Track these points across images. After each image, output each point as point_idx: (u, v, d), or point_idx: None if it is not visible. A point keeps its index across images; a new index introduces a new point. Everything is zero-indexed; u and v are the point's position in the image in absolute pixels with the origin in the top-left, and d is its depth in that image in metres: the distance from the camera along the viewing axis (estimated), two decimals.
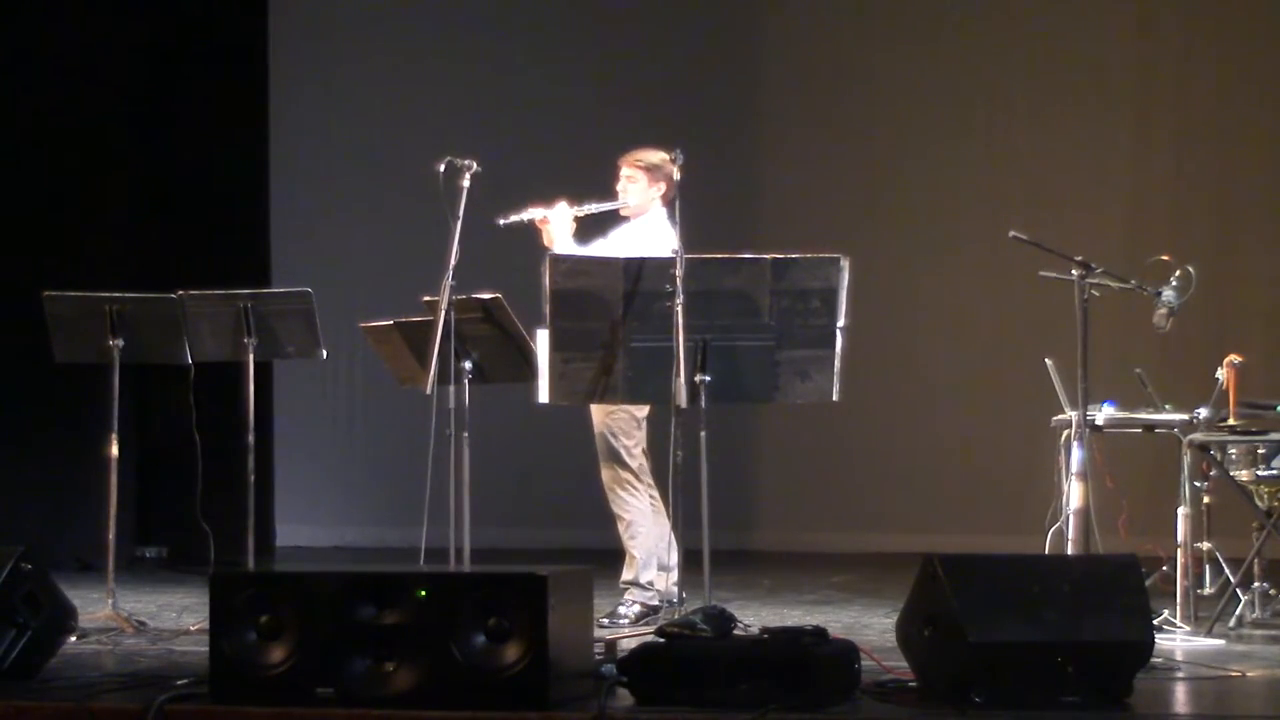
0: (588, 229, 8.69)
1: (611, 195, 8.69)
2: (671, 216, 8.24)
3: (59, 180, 11.72)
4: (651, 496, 8.60)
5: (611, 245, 8.55)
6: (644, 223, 8.66)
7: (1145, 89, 12.75)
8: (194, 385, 8.98)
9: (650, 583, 8.54)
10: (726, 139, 13.01)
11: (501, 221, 8.40)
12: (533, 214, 8.56)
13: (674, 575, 7.99)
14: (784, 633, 6.40)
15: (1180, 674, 7.00)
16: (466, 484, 7.88)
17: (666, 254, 7.67)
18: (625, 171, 8.69)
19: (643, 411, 8.56)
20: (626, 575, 8.62)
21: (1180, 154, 12.61)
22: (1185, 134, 12.62)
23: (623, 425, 8.56)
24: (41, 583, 7.02)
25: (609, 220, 8.78)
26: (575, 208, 8.56)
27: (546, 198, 8.64)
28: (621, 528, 8.62)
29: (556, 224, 8.53)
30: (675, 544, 7.89)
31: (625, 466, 8.55)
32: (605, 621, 8.31)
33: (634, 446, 8.57)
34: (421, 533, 7.94)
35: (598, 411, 8.57)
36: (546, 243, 8.47)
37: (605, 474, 8.63)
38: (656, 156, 8.62)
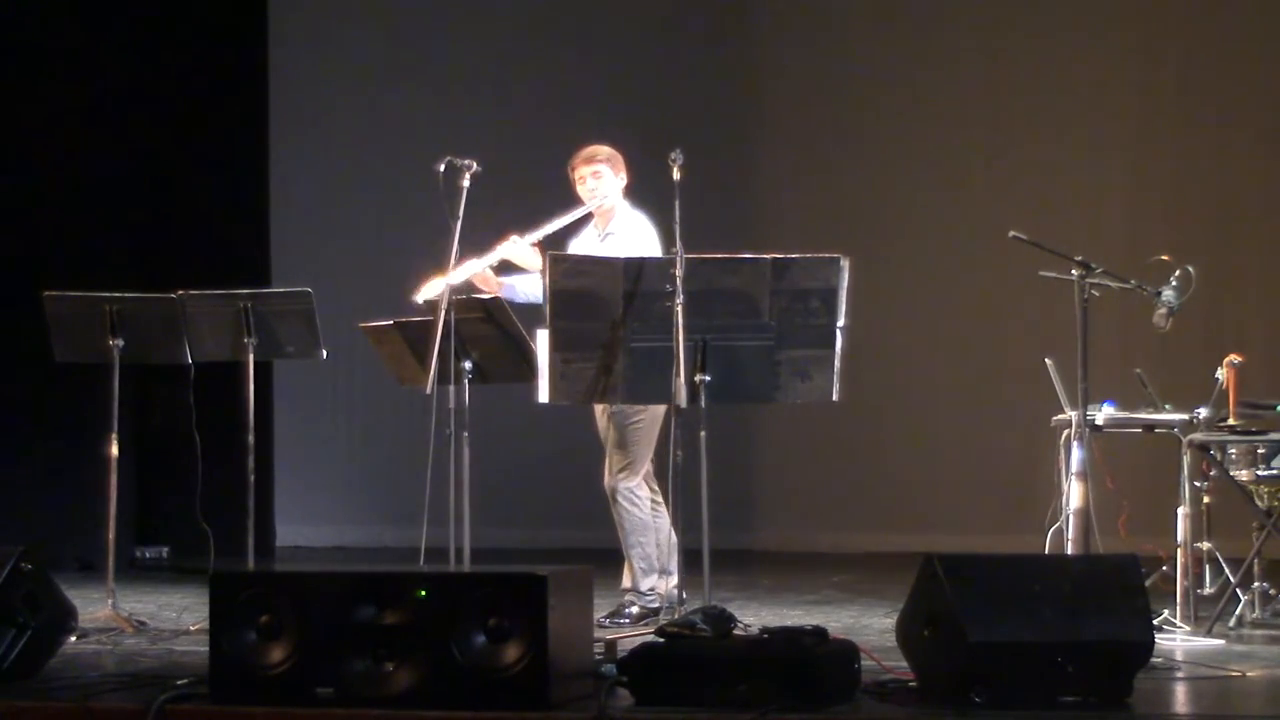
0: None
1: (564, 209, 8.51)
2: (635, 205, 8.21)
3: (59, 180, 11.72)
4: (654, 501, 8.55)
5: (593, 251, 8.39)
6: (620, 225, 8.53)
7: (1146, 89, 12.75)
8: (194, 385, 8.98)
9: (651, 589, 8.51)
10: (726, 140, 13.01)
11: (420, 299, 8.12)
12: (456, 277, 8.01)
13: (674, 578, 7.96)
14: (784, 633, 6.40)
15: (1180, 674, 6.99)
16: (466, 484, 7.87)
17: (661, 252, 7.64)
18: (588, 170, 8.55)
19: (661, 416, 8.35)
20: (626, 582, 8.61)
21: (1180, 154, 12.60)
22: (1185, 134, 12.61)
23: (643, 432, 8.44)
24: (41, 583, 7.02)
25: (566, 234, 8.61)
26: (530, 235, 8.37)
27: (527, 211, 8.50)
28: (621, 535, 8.57)
29: (518, 257, 8.39)
30: (677, 547, 7.87)
31: (634, 473, 8.48)
32: (606, 621, 8.31)
33: (648, 453, 8.46)
34: (421, 533, 7.94)
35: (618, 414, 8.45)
36: (495, 288, 8.28)
37: (610, 478, 8.53)
38: (607, 148, 8.59)
